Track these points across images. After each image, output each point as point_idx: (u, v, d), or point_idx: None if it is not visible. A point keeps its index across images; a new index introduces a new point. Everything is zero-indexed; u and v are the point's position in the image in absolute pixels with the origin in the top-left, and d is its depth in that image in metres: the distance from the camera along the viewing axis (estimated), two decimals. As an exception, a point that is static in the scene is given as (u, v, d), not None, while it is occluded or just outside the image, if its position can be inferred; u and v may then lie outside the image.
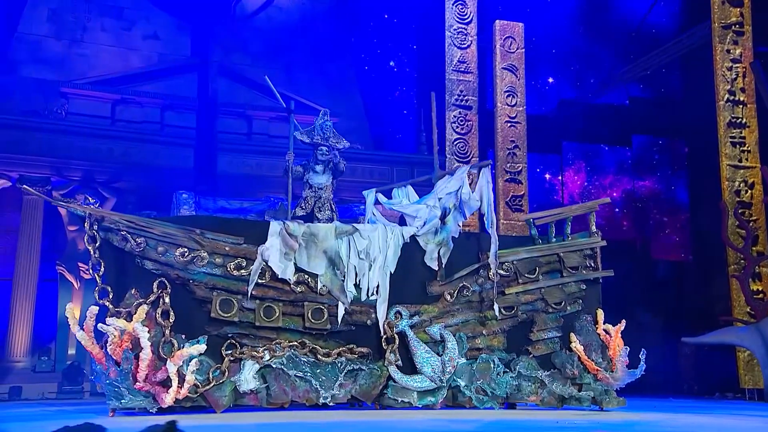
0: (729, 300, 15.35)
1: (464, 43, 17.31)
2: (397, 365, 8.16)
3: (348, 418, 7.34)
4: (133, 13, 18.17)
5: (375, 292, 8.23)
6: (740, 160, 15.71)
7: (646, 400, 12.32)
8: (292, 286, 7.97)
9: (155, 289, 7.61)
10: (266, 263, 7.87)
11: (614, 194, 20.88)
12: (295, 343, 7.93)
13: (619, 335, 8.82)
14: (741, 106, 15.92)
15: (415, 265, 8.49)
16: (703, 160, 17.83)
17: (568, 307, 8.95)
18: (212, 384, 7.58)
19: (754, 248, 15.21)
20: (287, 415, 7.57)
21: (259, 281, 7.87)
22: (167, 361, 7.27)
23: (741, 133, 15.81)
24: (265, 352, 7.79)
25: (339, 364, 8.02)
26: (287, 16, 19.20)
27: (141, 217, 7.79)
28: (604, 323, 8.95)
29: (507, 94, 17.35)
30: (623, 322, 8.93)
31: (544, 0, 19.91)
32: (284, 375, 7.82)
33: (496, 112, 17.17)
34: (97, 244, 7.60)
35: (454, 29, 17.27)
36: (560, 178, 20.49)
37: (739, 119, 15.84)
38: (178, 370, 7.28)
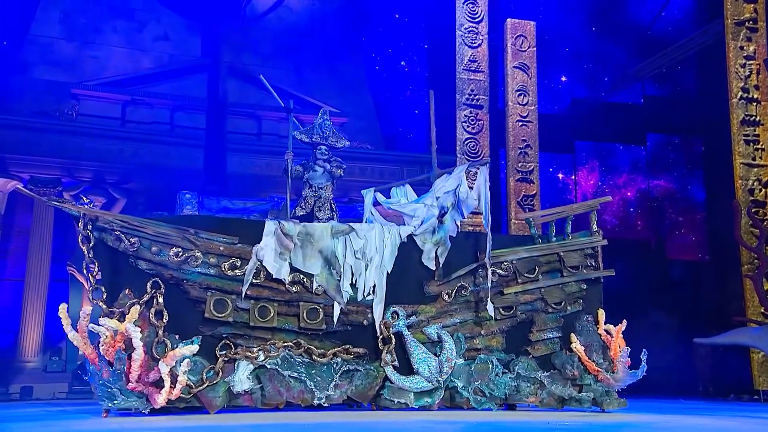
0: (743, 300, 15.15)
1: (475, 42, 17.19)
2: (393, 366, 8.08)
3: (341, 419, 7.27)
4: (143, 15, 18.26)
5: (371, 292, 8.14)
6: (754, 159, 15.48)
7: (655, 401, 12.17)
8: (287, 286, 7.91)
9: (149, 289, 7.57)
10: (261, 263, 7.83)
11: (628, 194, 20.68)
12: (290, 343, 7.87)
13: (621, 335, 8.68)
14: (755, 104, 15.69)
15: (412, 264, 8.41)
16: (719, 159, 17.58)
17: (569, 307, 8.81)
18: (206, 385, 7.53)
19: (767, 247, 14.96)
20: (281, 416, 7.52)
21: (254, 281, 7.81)
22: (159, 362, 7.24)
23: (755, 131, 15.58)
24: (260, 352, 7.74)
25: (334, 365, 7.95)
26: (297, 16, 19.19)
27: (134, 217, 7.77)
28: (607, 323, 8.80)
29: (518, 93, 17.21)
30: (624, 322, 8.79)
31: (557, -2, 19.78)
32: (279, 375, 7.76)
33: (508, 112, 17.04)
34: (91, 244, 7.58)
35: (465, 28, 17.16)
36: (573, 177, 20.31)
37: (753, 117, 15.61)
38: (171, 371, 7.25)
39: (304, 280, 7.98)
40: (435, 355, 8.20)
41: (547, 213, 9.19)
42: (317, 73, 18.79)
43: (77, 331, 7.35)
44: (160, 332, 7.50)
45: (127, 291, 7.57)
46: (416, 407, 8.07)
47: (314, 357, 7.91)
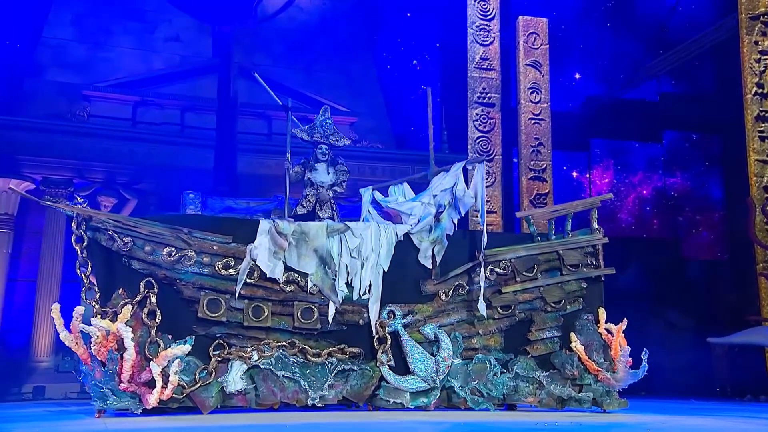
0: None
1: (486, 40, 17.06)
2: (389, 365, 8.01)
3: (333, 419, 7.21)
4: (155, 16, 18.30)
5: (367, 291, 8.09)
6: (768, 155, 15.21)
7: (665, 402, 11.98)
8: (281, 285, 7.86)
9: (142, 289, 7.57)
10: (255, 262, 7.79)
11: (644, 192, 20.42)
12: (285, 343, 7.82)
13: (621, 334, 8.54)
14: (769, 100, 15.43)
15: (409, 263, 8.32)
16: (737, 156, 17.31)
17: (568, 306, 8.68)
18: (198, 385, 7.50)
19: (782, 246, 14.71)
20: (275, 416, 7.47)
21: (248, 281, 7.77)
22: (151, 362, 7.22)
23: (770, 127, 15.31)
24: (253, 352, 7.70)
25: (329, 365, 7.89)
26: (308, 16, 19.15)
27: (127, 216, 7.78)
28: (608, 322, 8.67)
29: (531, 90, 17.05)
30: (625, 321, 8.64)
31: (571, -6, 19.57)
32: (272, 376, 7.72)
33: (520, 110, 16.89)
34: (84, 244, 7.60)
35: (477, 26, 17.03)
36: (588, 175, 20.09)
37: (767, 113, 15.33)
38: (162, 371, 7.24)
39: (299, 279, 7.93)
40: (432, 354, 8.12)
41: (547, 211, 9.04)
42: (328, 72, 18.75)
43: (70, 331, 7.37)
44: (153, 332, 7.49)
45: (120, 291, 7.57)
46: (412, 407, 7.99)
47: (309, 357, 7.86)
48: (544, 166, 16.88)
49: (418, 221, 8.37)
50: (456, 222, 8.49)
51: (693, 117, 19.75)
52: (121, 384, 7.21)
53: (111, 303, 7.52)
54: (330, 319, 7.95)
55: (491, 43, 17.03)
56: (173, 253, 7.62)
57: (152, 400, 7.20)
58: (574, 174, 20.44)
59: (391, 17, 20.64)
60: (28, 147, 15.82)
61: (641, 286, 17.42)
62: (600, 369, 8.40)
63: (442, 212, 8.41)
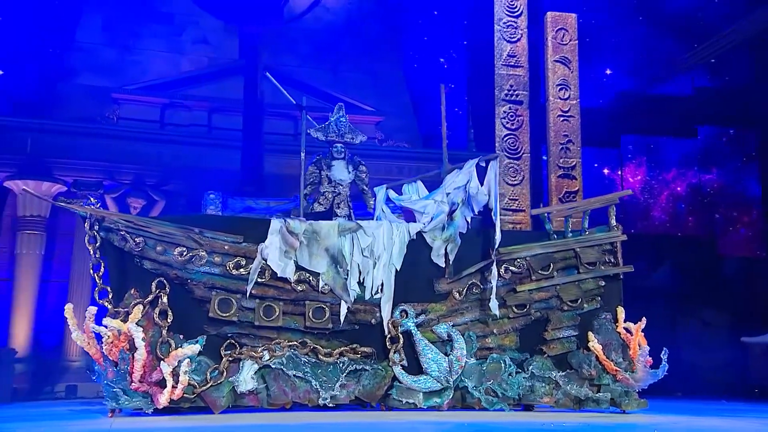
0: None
1: (514, 37, 16.87)
2: (402, 365, 7.95)
3: (344, 419, 7.16)
4: (183, 19, 18.43)
5: (380, 291, 8.03)
6: (803, 150, 14.81)
7: (694, 402, 11.71)
8: (292, 284, 7.84)
9: (153, 289, 7.61)
10: (266, 262, 7.77)
11: (678, 188, 20.03)
12: (296, 342, 7.80)
13: (641, 333, 8.35)
14: (805, 92, 15.02)
15: (421, 262, 8.25)
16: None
17: (585, 305, 8.52)
18: (210, 384, 7.51)
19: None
20: (286, 416, 7.45)
21: (259, 280, 7.76)
22: (162, 362, 7.25)
23: (806, 120, 14.91)
24: (264, 352, 7.69)
25: (341, 364, 7.85)
26: (335, 16, 19.13)
27: (139, 217, 7.82)
28: (625, 321, 8.49)
29: (559, 87, 16.83)
30: (644, 319, 8.45)
31: (601, -12, 19.26)
32: (284, 375, 7.69)
33: (548, 106, 16.67)
34: (97, 245, 7.67)
35: (504, 23, 16.85)
36: (619, 172, 19.78)
37: (803, 106, 14.94)
38: (173, 371, 7.26)
39: (310, 278, 7.90)
40: (445, 354, 8.03)
41: (563, 208, 8.89)
42: (354, 72, 18.70)
43: (84, 331, 7.44)
44: (165, 332, 7.52)
45: (132, 291, 7.62)
46: (425, 408, 7.90)
47: (320, 356, 7.83)
48: (574, 163, 16.64)
49: (431, 219, 8.29)
50: (469, 220, 8.38)
51: (729, 111, 19.31)
52: (133, 384, 7.25)
53: (123, 303, 7.56)
54: (342, 318, 7.91)
55: (518, 39, 16.83)
56: (184, 253, 7.64)
57: (163, 399, 7.23)
58: (606, 171, 20.11)
59: (417, 15, 20.53)
60: (60, 150, 16.03)
61: (676, 285, 17.10)
62: (618, 369, 8.23)
63: (455, 210, 8.32)
